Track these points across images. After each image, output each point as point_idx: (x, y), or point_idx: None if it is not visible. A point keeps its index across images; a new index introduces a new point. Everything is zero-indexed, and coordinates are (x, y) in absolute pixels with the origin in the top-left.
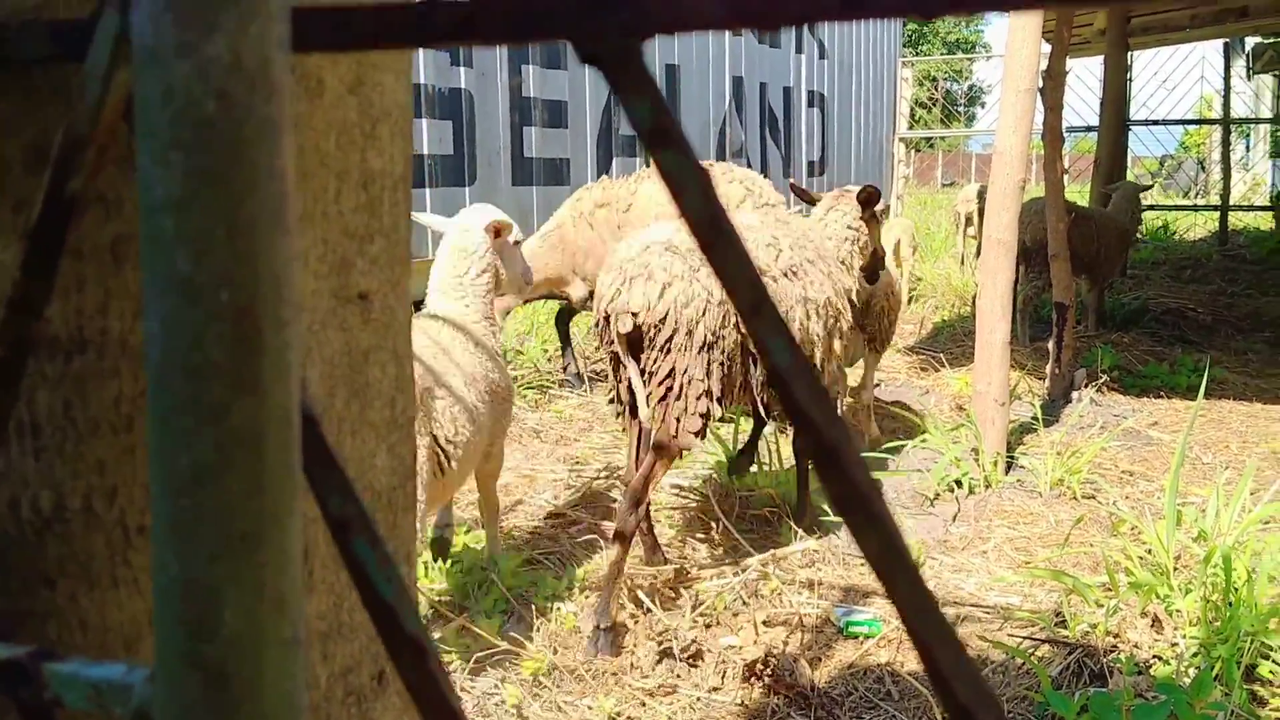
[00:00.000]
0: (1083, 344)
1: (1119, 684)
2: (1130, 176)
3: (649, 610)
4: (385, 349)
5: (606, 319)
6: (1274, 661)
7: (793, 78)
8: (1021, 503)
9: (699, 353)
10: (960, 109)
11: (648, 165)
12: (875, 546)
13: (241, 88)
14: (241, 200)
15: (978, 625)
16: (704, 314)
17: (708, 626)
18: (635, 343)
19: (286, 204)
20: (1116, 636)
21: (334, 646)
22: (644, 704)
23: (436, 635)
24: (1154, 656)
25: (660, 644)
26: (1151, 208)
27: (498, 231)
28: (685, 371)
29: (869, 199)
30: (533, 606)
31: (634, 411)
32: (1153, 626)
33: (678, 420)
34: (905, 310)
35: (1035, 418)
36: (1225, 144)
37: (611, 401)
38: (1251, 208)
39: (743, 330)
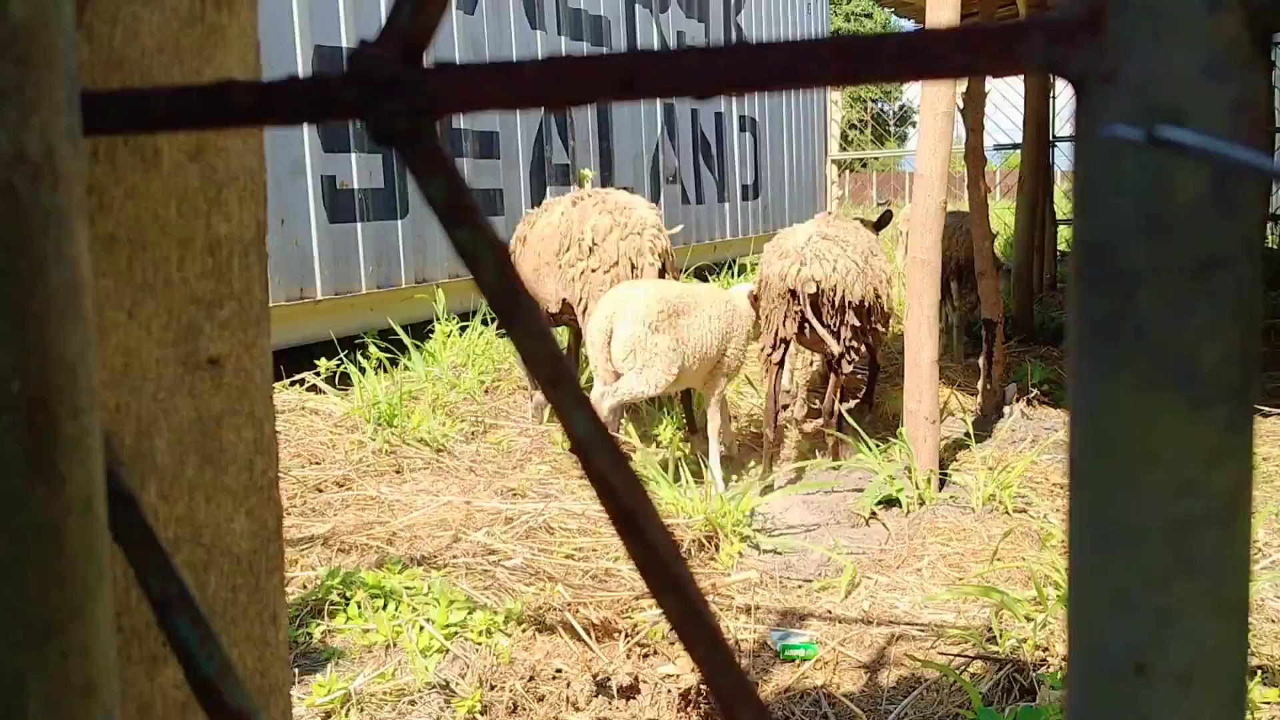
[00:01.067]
0: (1014, 358)
1: (1046, 698)
2: (1058, 192)
3: (585, 644)
4: (240, 412)
5: (792, 291)
6: None
7: (724, 103)
8: (954, 519)
9: (852, 309)
10: (891, 129)
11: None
12: (675, 608)
13: (24, 179)
14: (30, 291)
15: (912, 644)
16: (856, 281)
17: (645, 656)
18: (814, 304)
19: (79, 292)
20: (1045, 650)
21: (195, 716)
22: None
23: (359, 681)
24: None
25: (596, 677)
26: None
27: None
28: (846, 321)
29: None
30: (466, 643)
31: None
32: None
33: (844, 354)
34: None
35: (968, 434)
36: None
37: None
38: None
39: (880, 294)
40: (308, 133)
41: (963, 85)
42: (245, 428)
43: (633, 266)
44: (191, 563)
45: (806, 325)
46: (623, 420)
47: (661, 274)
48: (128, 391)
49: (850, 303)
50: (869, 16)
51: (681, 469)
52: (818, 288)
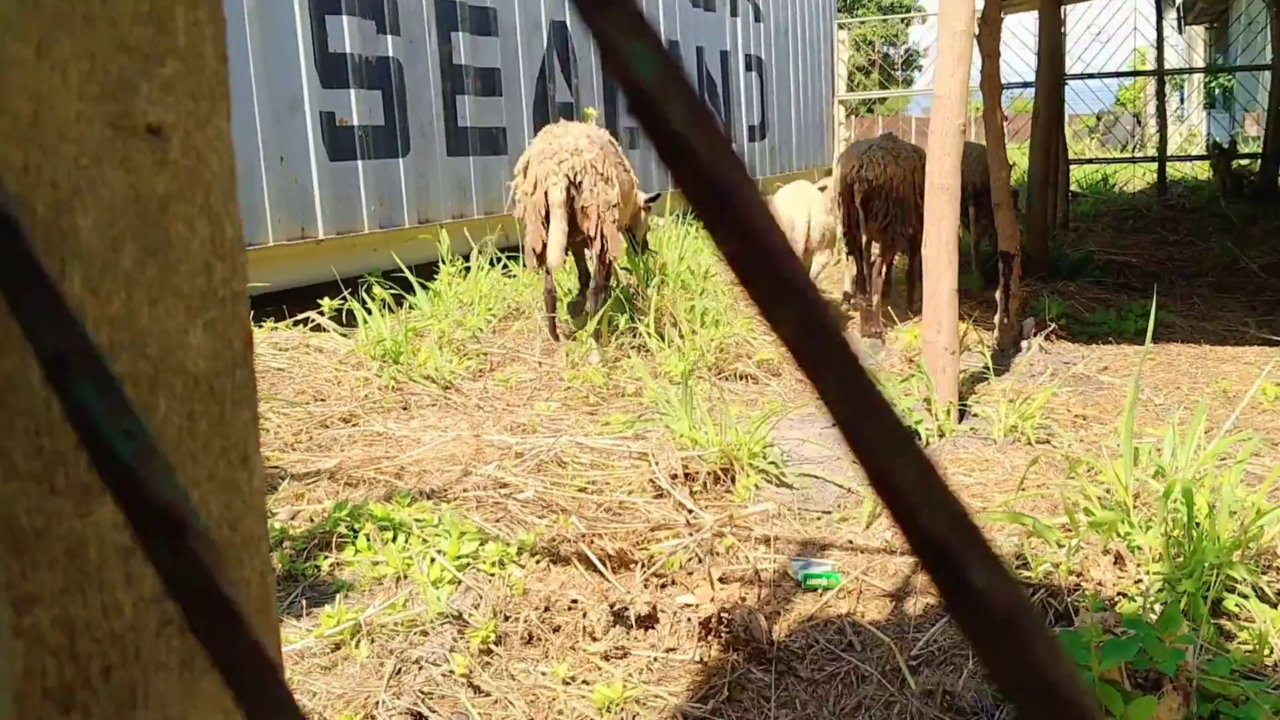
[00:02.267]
0: (1029, 293)
1: (1085, 621)
2: (1068, 133)
3: (601, 574)
4: (192, 201)
5: (850, 186)
6: (1239, 595)
7: (729, 42)
8: (976, 450)
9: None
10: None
11: None
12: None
13: None
14: None
15: None
16: (902, 182)
17: (662, 587)
18: (869, 198)
19: None
20: (1079, 575)
21: (141, 566)
22: (599, 668)
23: (369, 611)
24: (1119, 594)
25: (613, 607)
26: (1090, 161)
27: None
28: (892, 213)
29: None
30: (479, 575)
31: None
32: (1115, 564)
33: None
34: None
35: (986, 367)
36: (1160, 95)
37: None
38: (1188, 158)
39: (918, 191)
40: (305, 68)
41: (979, 8)
42: (199, 221)
43: (545, 190)
44: (134, 376)
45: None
46: (631, 355)
47: (570, 198)
48: (38, 149)
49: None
50: None
51: (696, 403)
52: (870, 186)
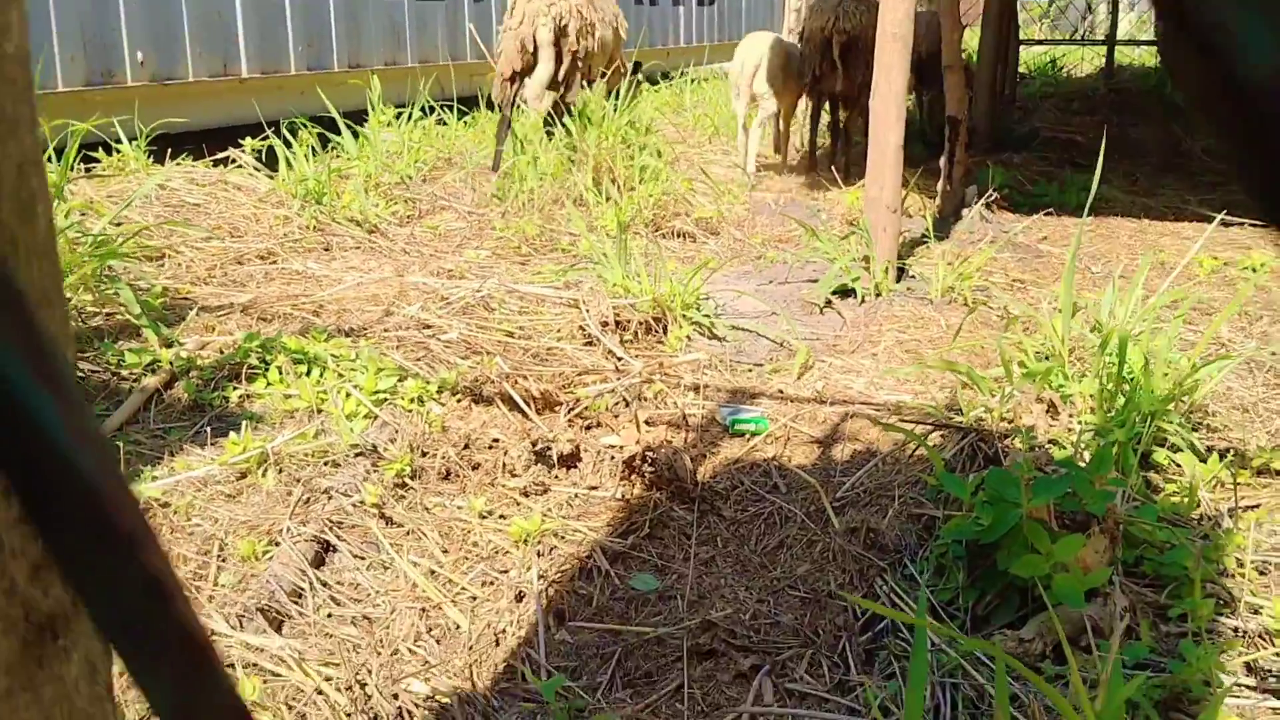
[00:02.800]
0: (973, 163)
1: (1015, 460)
2: (1021, 20)
3: (524, 414)
4: None
5: (829, 39)
6: (1170, 448)
7: None
8: (912, 308)
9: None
10: None
11: None
12: None
13: None
14: None
15: (867, 421)
16: (871, 30)
17: (587, 428)
18: (846, 49)
19: None
20: (1010, 422)
21: None
22: (517, 503)
23: (278, 441)
24: (1049, 441)
25: (535, 445)
26: (1039, 43)
27: None
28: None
29: None
30: (396, 410)
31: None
32: (1048, 412)
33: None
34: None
35: (926, 232)
36: None
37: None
38: (1138, 42)
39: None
40: None
41: None
42: None
43: (534, 30)
44: None
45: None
46: (568, 206)
47: (556, 39)
48: None
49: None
50: None
51: (632, 255)
52: (847, 37)
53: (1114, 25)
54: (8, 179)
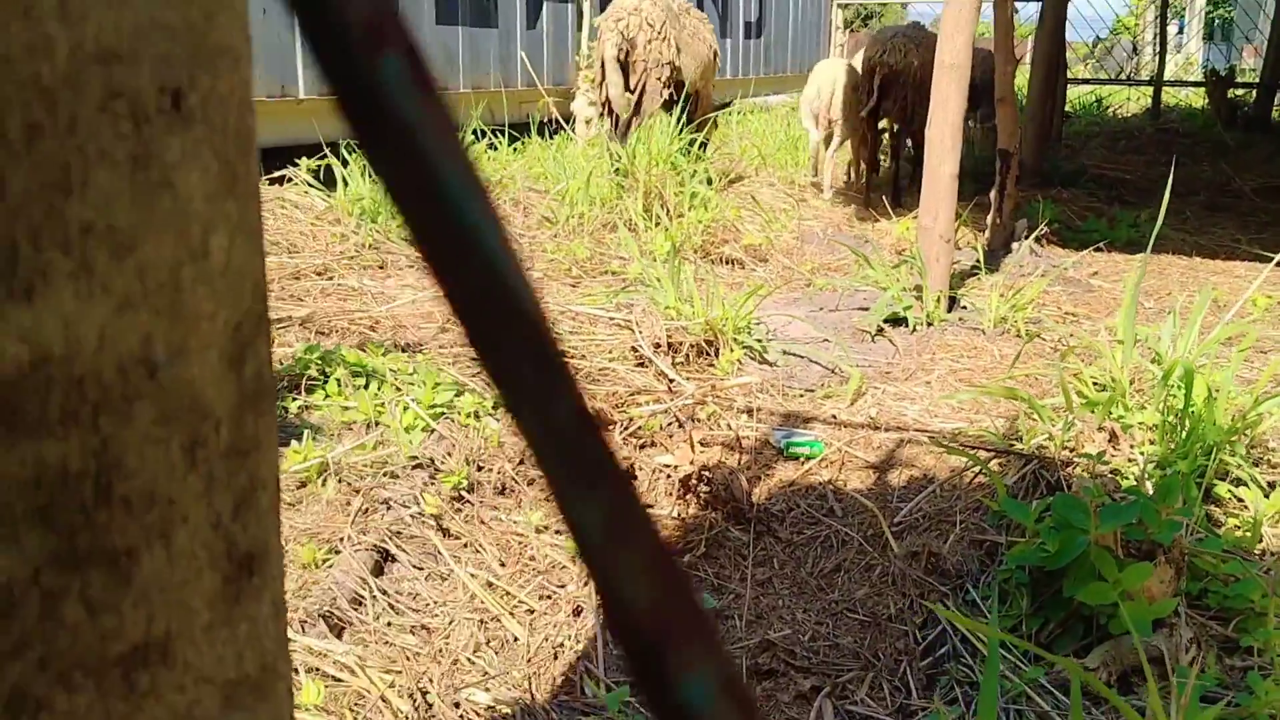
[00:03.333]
0: (1022, 198)
1: (1081, 485)
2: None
3: None
4: None
5: (873, 69)
6: (1232, 481)
7: None
8: (965, 338)
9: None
10: None
11: (579, 11)
12: None
13: None
14: None
15: (923, 448)
16: (923, 69)
17: (641, 447)
18: (887, 81)
19: None
20: (1072, 450)
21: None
22: None
23: (338, 451)
24: (1111, 471)
25: None
26: (1086, 81)
27: None
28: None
29: None
30: (453, 424)
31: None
32: (1110, 442)
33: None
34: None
35: (977, 263)
36: (1162, 18)
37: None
38: (1184, 83)
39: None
40: None
41: None
42: None
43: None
44: None
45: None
46: (619, 230)
47: (623, 54)
48: None
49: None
50: None
51: (685, 279)
52: (889, 70)
53: (1161, 66)
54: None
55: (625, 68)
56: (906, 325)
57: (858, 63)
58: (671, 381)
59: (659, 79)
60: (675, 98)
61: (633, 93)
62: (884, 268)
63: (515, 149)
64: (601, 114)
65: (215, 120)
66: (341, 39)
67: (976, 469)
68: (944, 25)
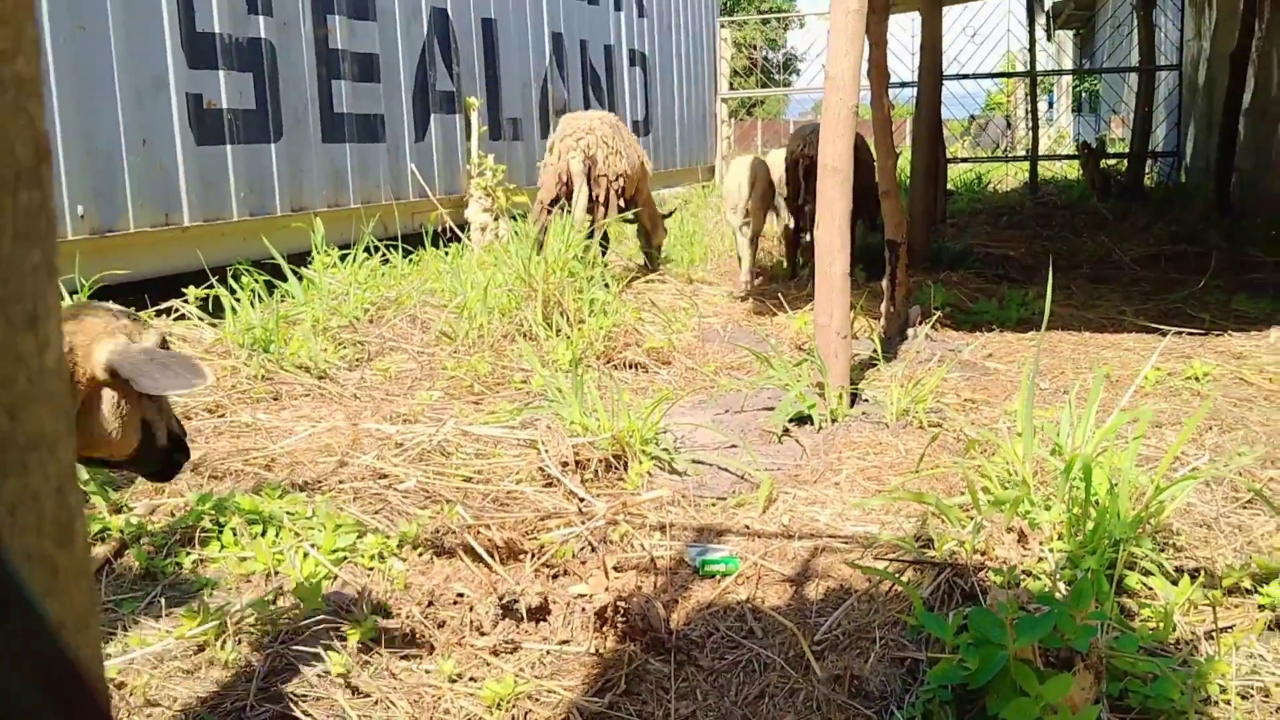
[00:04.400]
0: (913, 283)
1: (995, 599)
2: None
3: (488, 566)
4: None
5: (796, 162)
6: (1141, 571)
7: (613, 35)
8: (870, 434)
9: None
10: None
11: (466, 121)
12: None
13: None
14: None
15: (837, 555)
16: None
17: (554, 577)
18: (808, 174)
19: None
20: (984, 554)
21: None
22: (488, 664)
23: (235, 608)
24: (1024, 572)
25: (502, 599)
26: (964, 160)
27: None
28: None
29: None
30: (356, 569)
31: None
32: (1019, 542)
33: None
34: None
35: (875, 353)
36: (1033, 95)
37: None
38: (1059, 157)
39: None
40: (170, 46)
41: None
42: None
43: (568, 163)
44: None
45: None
46: (519, 341)
47: (587, 169)
48: None
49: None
50: None
51: (587, 390)
52: (809, 162)
53: (1035, 140)
54: (48, 503)
55: (589, 179)
56: (812, 423)
57: (774, 156)
58: (582, 501)
59: (616, 190)
60: (625, 205)
61: (594, 203)
62: (785, 366)
63: (411, 260)
64: (544, 213)
65: None
66: None
67: (895, 576)
68: (824, 130)
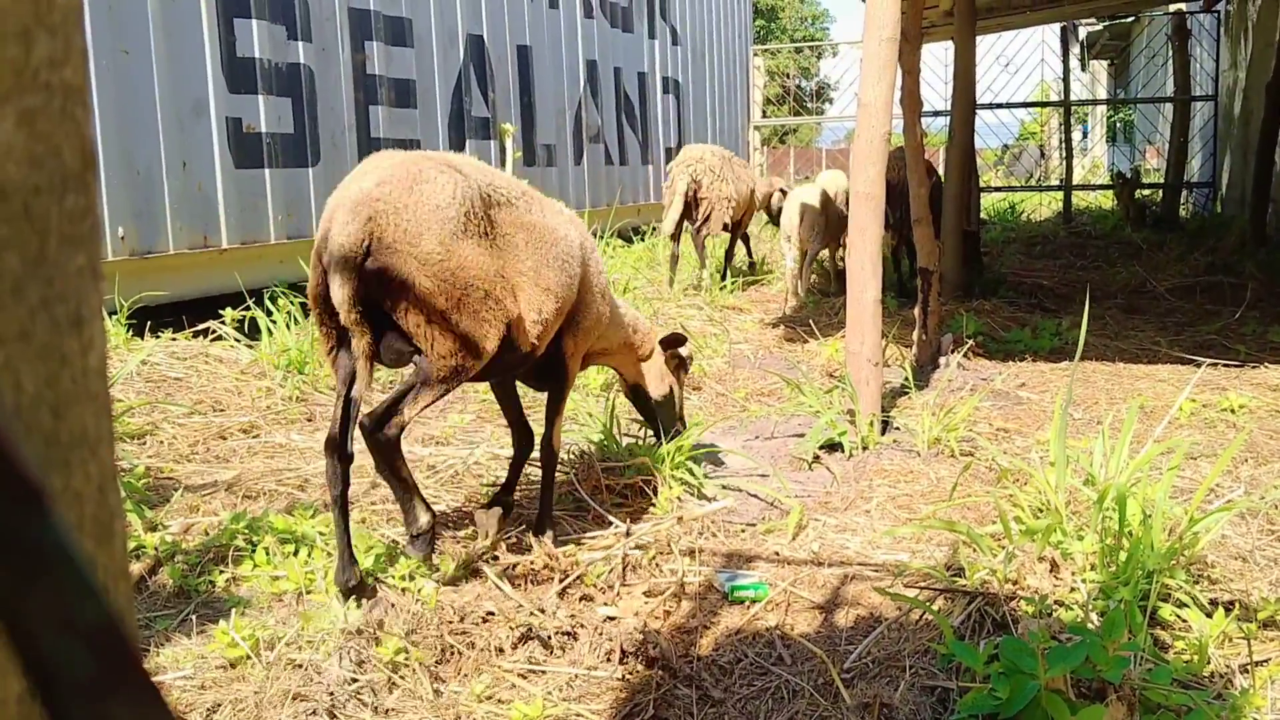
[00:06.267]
0: (945, 312)
1: (1027, 628)
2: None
3: (517, 589)
4: None
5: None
6: (1175, 603)
7: (647, 63)
8: (901, 462)
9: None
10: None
11: (501, 147)
12: None
13: None
14: None
15: (867, 583)
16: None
17: (583, 599)
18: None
19: None
20: (1015, 584)
21: None
22: (515, 685)
23: (275, 620)
24: (1055, 602)
25: (531, 622)
26: (999, 189)
27: None
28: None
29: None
30: (388, 589)
31: None
32: (1051, 572)
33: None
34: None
35: (906, 381)
36: (1067, 126)
37: None
38: (1092, 187)
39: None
40: (211, 70)
41: None
42: None
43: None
44: None
45: None
46: None
47: (690, 191)
48: None
49: None
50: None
51: (616, 415)
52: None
53: (1069, 170)
54: (89, 502)
55: (693, 202)
56: (842, 450)
57: (832, 182)
58: (612, 525)
59: (720, 210)
60: (729, 224)
61: (695, 219)
62: (815, 393)
63: None
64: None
65: None
66: None
67: (926, 604)
68: (855, 156)
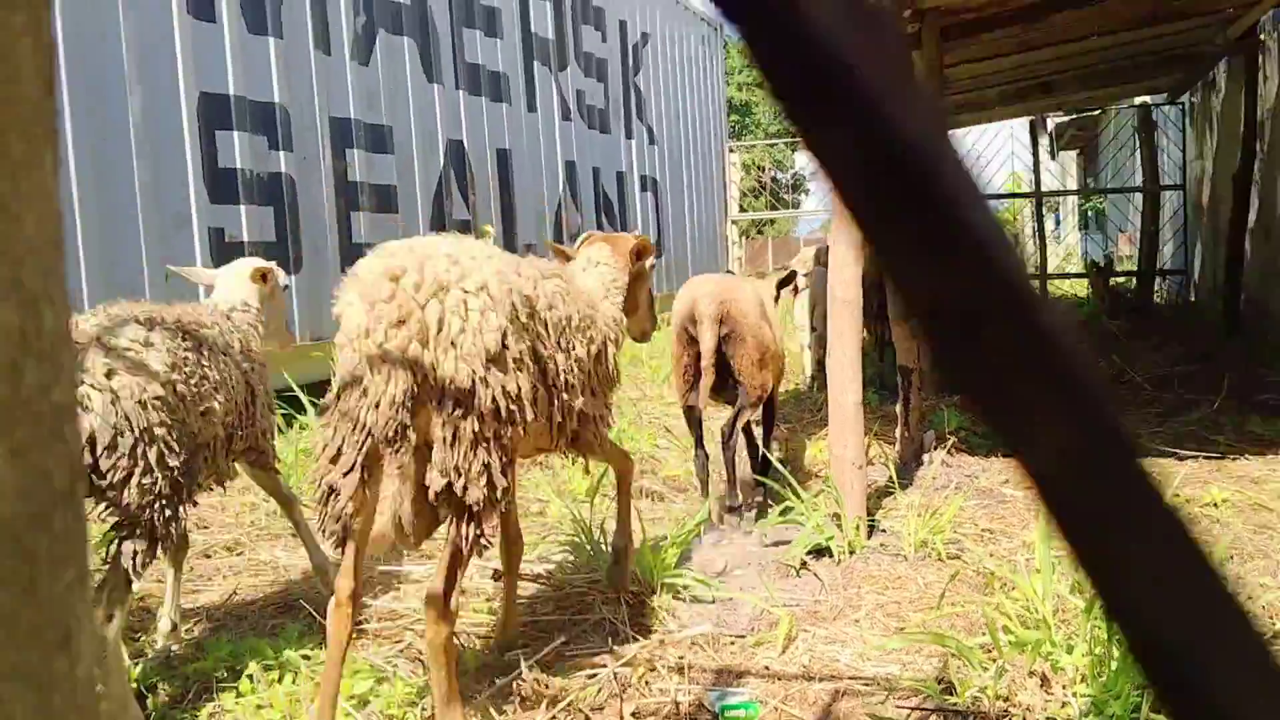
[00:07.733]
0: (927, 407)
1: None
2: None
3: (510, 714)
4: None
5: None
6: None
7: (625, 163)
8: (888, 566)
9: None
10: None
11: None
12: None
13: None
14: None
15: (859, 699)
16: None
17: None
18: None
19: None
20: (1007, 700)
21: None
22: None
23: None
24: (1048, 719)
25: None
26: None
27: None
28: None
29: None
30: (376, 714)
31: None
32: (1042, 686)
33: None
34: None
35: (891, 480)
36: (1039, 215)
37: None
38: (1067, 275)
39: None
40: (193, 182)
41: None
42: (4, 304)
43: None
44: None
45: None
46: (534, 471)
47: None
48: None
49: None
50: (760, 86)
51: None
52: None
53: (1043, 259)
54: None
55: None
56: (830, 555)
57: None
58: (614, 636)
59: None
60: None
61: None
62: (801, 498)
63: None
64: None
65: None
66: None
67: None
68: (833, 260)
